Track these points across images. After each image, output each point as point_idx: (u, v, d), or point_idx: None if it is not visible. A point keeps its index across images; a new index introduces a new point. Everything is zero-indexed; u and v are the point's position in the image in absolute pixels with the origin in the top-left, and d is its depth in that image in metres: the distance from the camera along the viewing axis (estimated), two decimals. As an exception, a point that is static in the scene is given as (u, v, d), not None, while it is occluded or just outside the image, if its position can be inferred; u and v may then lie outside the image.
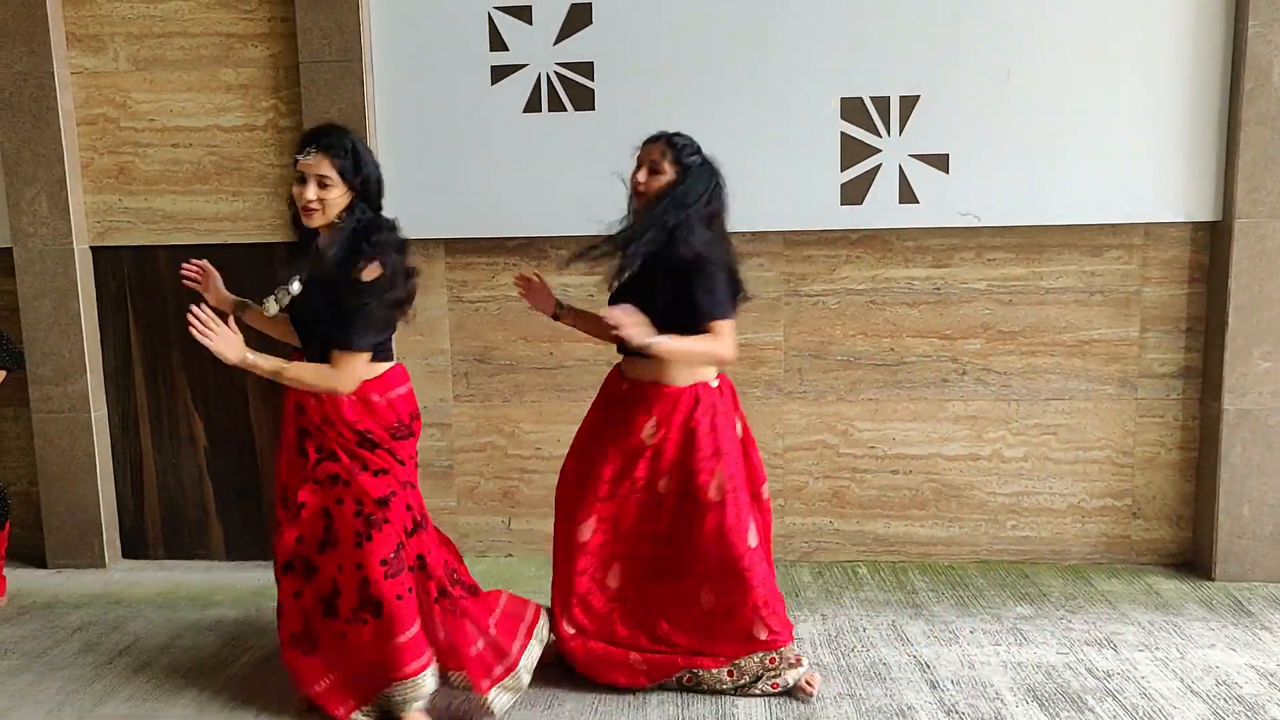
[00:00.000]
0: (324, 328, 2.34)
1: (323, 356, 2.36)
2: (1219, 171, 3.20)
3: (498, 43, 3.34)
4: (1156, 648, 2.84)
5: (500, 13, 3.33)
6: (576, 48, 3.32)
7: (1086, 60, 3.18)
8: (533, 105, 3.35)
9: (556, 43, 3.32)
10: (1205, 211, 3.23)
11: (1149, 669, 2.72)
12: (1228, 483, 3.26)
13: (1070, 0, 3.17)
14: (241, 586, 3.46)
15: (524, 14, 3.32)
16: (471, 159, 3.40)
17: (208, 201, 3.52)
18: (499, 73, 3.35)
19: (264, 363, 2.30)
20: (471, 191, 3.41)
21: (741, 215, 3.32)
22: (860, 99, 3.26)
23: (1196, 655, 2.79)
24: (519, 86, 3.35)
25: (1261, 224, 3.15)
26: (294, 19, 3.34)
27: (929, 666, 2.76)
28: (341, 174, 2.31)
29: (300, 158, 2.31)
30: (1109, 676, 2.68)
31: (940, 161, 3.25)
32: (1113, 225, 3.30)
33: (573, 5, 3.29)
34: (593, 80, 3.32)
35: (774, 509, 3.55)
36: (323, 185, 2.30)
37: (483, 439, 3.61)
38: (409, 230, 3.42)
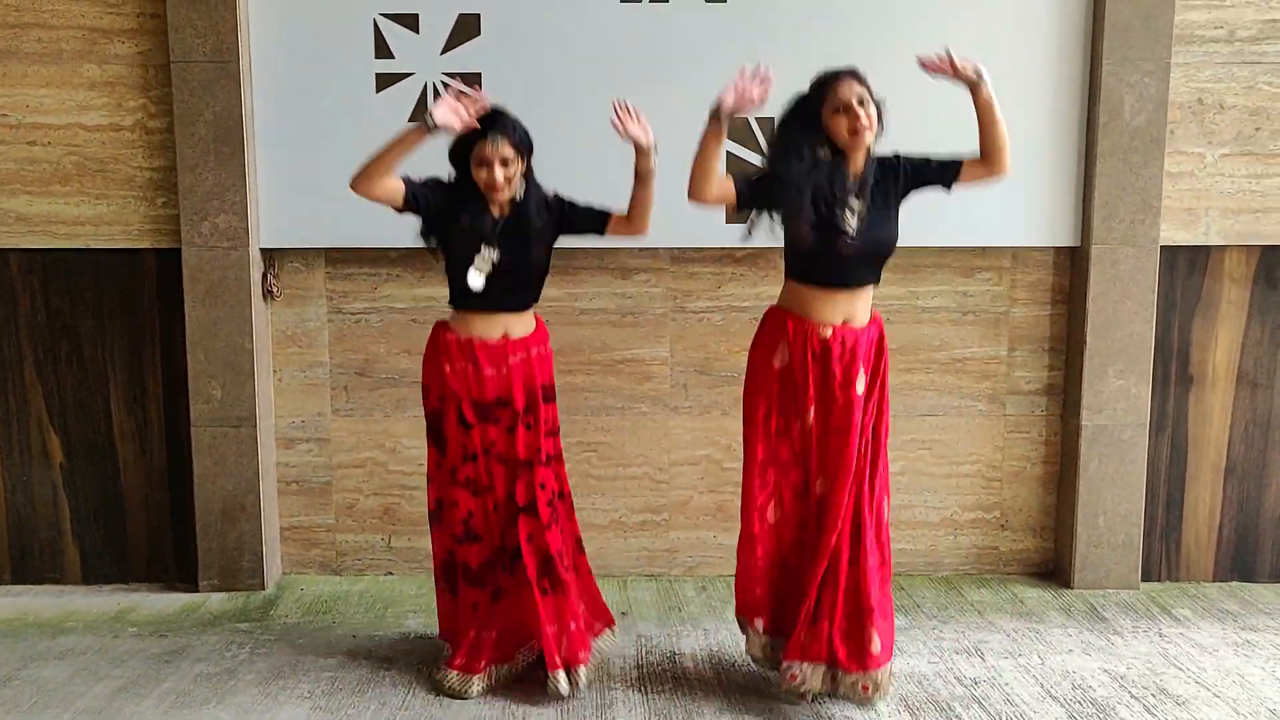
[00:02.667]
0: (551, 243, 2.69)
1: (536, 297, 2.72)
2: (1077, 200, 3.38)
3: (383, 50, 3.27)
4: (1020, 655, 2.96)
5: (386, 20, 3.26)
6: (464, 58, 3.28)
7: (958, 93, 3.32)
8: (418, 115, 3.29)
9: (444, 52, 3.28)
10: (1065, 237, 3.41)
11: (1013, 675, 2.83)
12: (1085, 495, 3.44)
13: (943, 36, 3.29)
14: (98, 612, 3.26)
15: (411, 22, 3.26)
16: (354, 167, 3.30)
17: (68, 204, 3.32)
18: (384, 80, 3.28)
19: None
20: (353, 201, 3.27)
21: (628, 231, 3.36)
22: (744, 119, 3.32)
23: (1055, 661, 2.93)
24: (404, 95, 3.29)
25: (1115, 250, 3.35)
26: (165, 15, 3.20)
27: (806, 678, 2.81)
28: (518, 150, 2.56)
29: (487, 143, 2.51)
30: (975, 684, 2.78)
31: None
32: (983, 248, 3.46)
33: (461, 15, 3.26)
34: (480, 91, 3.27)
35: (659, 524, 3.57)
36: (505, 164, 2.53)
37: (362, 454, 3.51)
38: (287, 240, 3.37)
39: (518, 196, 2.61)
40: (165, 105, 3.28)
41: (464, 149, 2.56)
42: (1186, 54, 3.32)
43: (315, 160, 3.32)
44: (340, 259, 3.42)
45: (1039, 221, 3.40)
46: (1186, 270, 3.45)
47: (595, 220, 2.69)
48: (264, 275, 3.39)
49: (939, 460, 3.55)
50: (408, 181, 2.58)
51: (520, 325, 2.67)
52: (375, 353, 3.46)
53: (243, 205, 3.27)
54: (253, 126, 3.30)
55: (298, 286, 3.44)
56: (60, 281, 3.37)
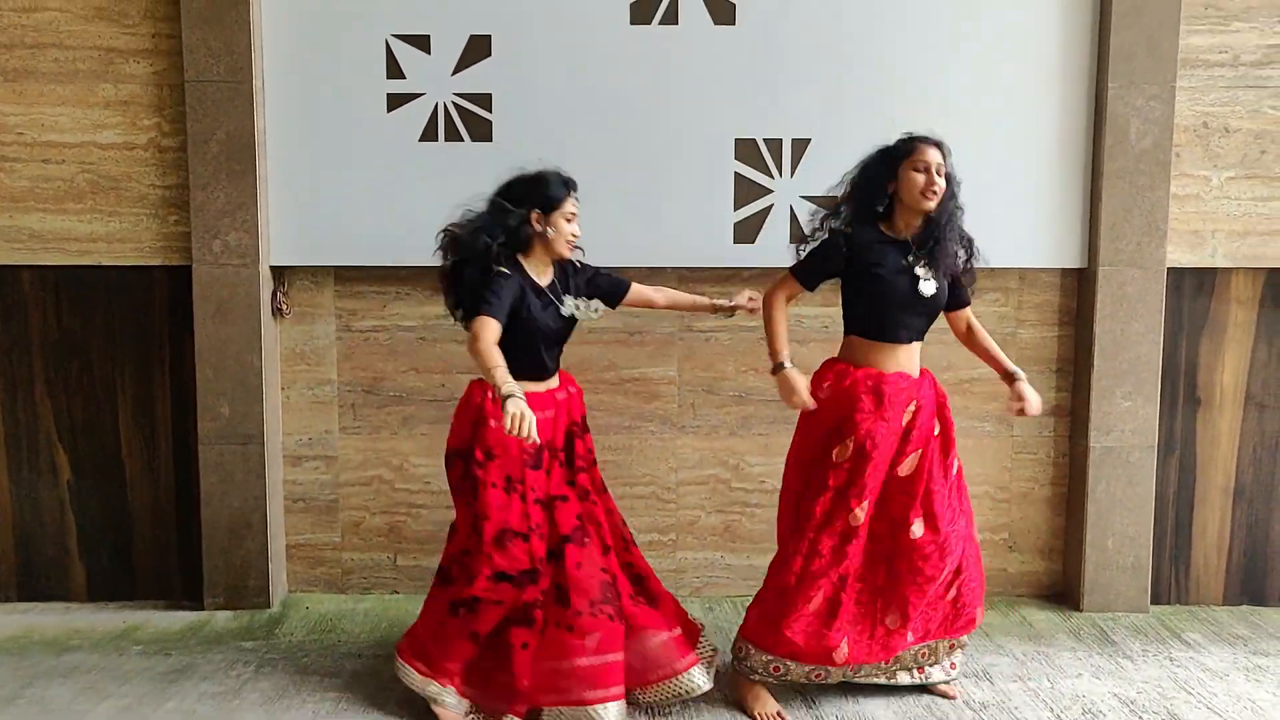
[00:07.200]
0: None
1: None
2: (1084, 222, 3.40)
3: (395, 70, 3.31)
4: (1029, 678, 2.94)
5: (398, 40, 3.30)
6: (475, 79, 3.31)
7: (966, 114, 3.35)
8: (429, 135, 3.32)
9: (455, 73, 3.31)
10: (1072, 259, 3.42)
11: (1021, 699, 2.81)
12: (1094, 517, 3.43)
13: (951, 58, 3.34)
14: (103, 629, 3.25)
15: (422, 43, 3.30)
16: (364, 186, 3.34)
17: (81, 221, 3.35)
18: (395, 100, 3.31)
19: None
20: (363, 219, 3.34)
21: (637, 251, 3.38)
22: (754, 140, 3.35)
23: (1065, 685, 2.91)
24: (415, 115, 3.31)
25: (1121, 271, 3.36)
26: (180, 36, 3.24)
27: (814, 702, 2.79)
28: None
29: (572, 198, 2.65)
30: (984, 708, 2.76)
31: (830, 204, 3.35)
32: (990, 269, 3.45)
33: (472, 36, 3.29)
34: (490, 112, 3.32)
35: (667, 544, 3.56)
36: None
37: (370, 472, 3.51)
38: (297, 258, 3.39)
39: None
40: (179, 124, 3.31)
41: (551, 204, 2.63)
42: (1191, 78, 3.35)
43: (326, 179, 3.34)
44: (350, 277, 3.43)
45: (1046, 243, 3.41)
46: (1193, 292, 3.45)
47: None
48: (273, 293, 3.41)
49: (946, 481, 3.54)
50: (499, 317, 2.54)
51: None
52: (383, 370, 3.47)
53: (254, 223, 3.30)
54: (265, 145, 3.32)
55: (307, 304, 3.46)
56: (72, 298, 3.39)
